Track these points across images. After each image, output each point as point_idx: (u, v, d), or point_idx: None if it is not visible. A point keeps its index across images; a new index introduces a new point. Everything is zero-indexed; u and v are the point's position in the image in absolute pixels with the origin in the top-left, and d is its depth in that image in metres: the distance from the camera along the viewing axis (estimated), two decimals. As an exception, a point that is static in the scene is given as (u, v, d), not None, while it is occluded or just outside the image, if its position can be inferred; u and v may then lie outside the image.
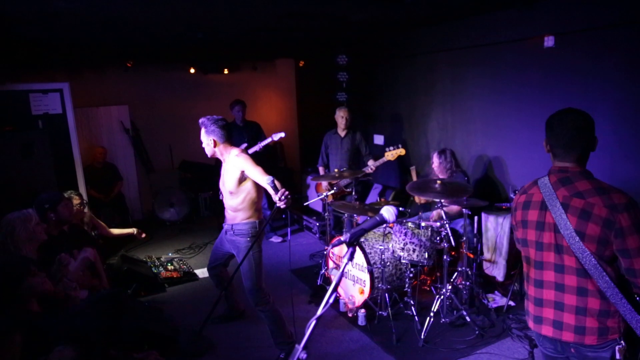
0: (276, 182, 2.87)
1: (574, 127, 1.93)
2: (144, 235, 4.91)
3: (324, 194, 4.88)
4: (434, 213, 4.50)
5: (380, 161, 5.13)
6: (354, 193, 4.75)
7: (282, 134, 5.70)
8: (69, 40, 5.11)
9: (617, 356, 1.88)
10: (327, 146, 5.72)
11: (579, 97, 4.06)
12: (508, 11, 4.56)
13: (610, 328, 1.88)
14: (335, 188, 5.15)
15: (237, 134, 5.96)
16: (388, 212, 1.46)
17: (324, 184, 5.51)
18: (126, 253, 5.52)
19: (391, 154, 5.00)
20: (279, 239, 6.32)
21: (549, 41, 4.21)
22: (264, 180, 2.98)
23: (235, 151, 3.33)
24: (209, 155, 3.40)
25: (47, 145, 5.03)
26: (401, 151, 4.97)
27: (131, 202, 7.36)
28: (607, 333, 1.88)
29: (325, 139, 5.74)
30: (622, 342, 1.88)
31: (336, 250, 4.45)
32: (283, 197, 2.79)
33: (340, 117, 5.50)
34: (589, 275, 1.85)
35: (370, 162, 5.25)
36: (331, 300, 1.31)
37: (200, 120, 3.34)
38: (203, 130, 3.31)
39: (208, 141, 3.30)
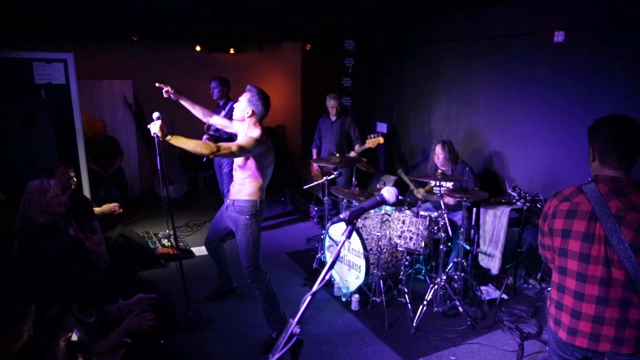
0: (159, 117, 3.01)
1: (631, 135, 1.86)
2: (118, 210, 4.36)
3: (323, 179, 4.91)
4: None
5: (362, 148, 5.45)
6: (338, 174, 4.94)
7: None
8: (74, 10, 5.04)
9: None
10: (320, 129, 6.03)
11: (586, 94, 4.04)
12: (519, 3, 4.51)
13: None
14: (323, 169, 5.57)
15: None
16: (388, 192, 1.46)
17: (315, 165, 5.83)
18: (124, 227, 5.53)
19: (371, 142, 5.31)
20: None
21: (559, 36, 4.18)
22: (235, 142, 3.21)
23: (257, 132, 3.30)
24: (234, 118, 3.37)
25: (49, 115, 4.99)
26: (379, 139, 5.28)
27: (131, 177, 7.36)
28: None
29: (319, 122, 6.07)
30: None
31: (332, 232, 4.45)
32: (155, 121, 2.96)
33: (331, 107, 5.83)
34: (635, 289, 1.81)
35: (357, 147, 5.52)
36: (327, 277, 1.31)
37: (250, 87, 3.32)
38: (247, 96, 3.28)
39: (246, 109, 3.27)
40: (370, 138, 5.29)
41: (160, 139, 3.01)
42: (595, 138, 1.93)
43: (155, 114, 3.05)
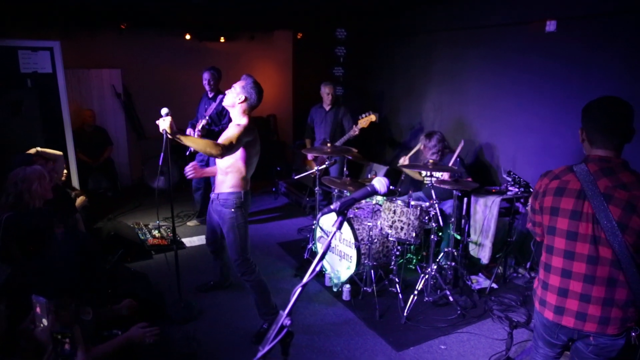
0: (168, 114, 2.96)
1: (618, 115, 1.88)
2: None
3: (315, 168, 4.89)
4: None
5: (356, 130, 5.27)
6: (332, 161, 4.90)
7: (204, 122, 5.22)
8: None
9: (633, 342, 1.90)
10: (313, 119, 5.95)
11: (578, 83, 4.05)
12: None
13: (630, 317, 1.89)
14: (318, 159, 5.50)
15: (202, 105, 5.42)
16: (379, 182, 1.45)
17: (311, 157, 5.72)
18: (114, 218, 5.49)
19: (364, 121, 5.15)
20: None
21: (550, 26, 4.17)
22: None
23: (245, 120, 3.26)
24: (224, 103, 3.31)
25: (36, 105, 4.92)
26: (372, 117, 5.11)
27: (120, 167, 7.29)
28: (627, 322, 1.90)
29: (311, 112, 5.99)
30: (637, 328, 1.90)
31: (323, 222, 4.44)
32: (165, 117, 2.92)
33: (326, 93, 5.74)
34: (621, 267, 1.83)
35: (354, 127, 5.38)
36: (318, 268, 1.30)
37: (245, 76, 3.30)
38: (242, 83, 3.24)
39: (239, 94, 3.22)
40: (362, 118, 5.14)
41: (170, 136, 2.94)
42: (585, 119, 1.96)
43: (164, 110, 2.98)
